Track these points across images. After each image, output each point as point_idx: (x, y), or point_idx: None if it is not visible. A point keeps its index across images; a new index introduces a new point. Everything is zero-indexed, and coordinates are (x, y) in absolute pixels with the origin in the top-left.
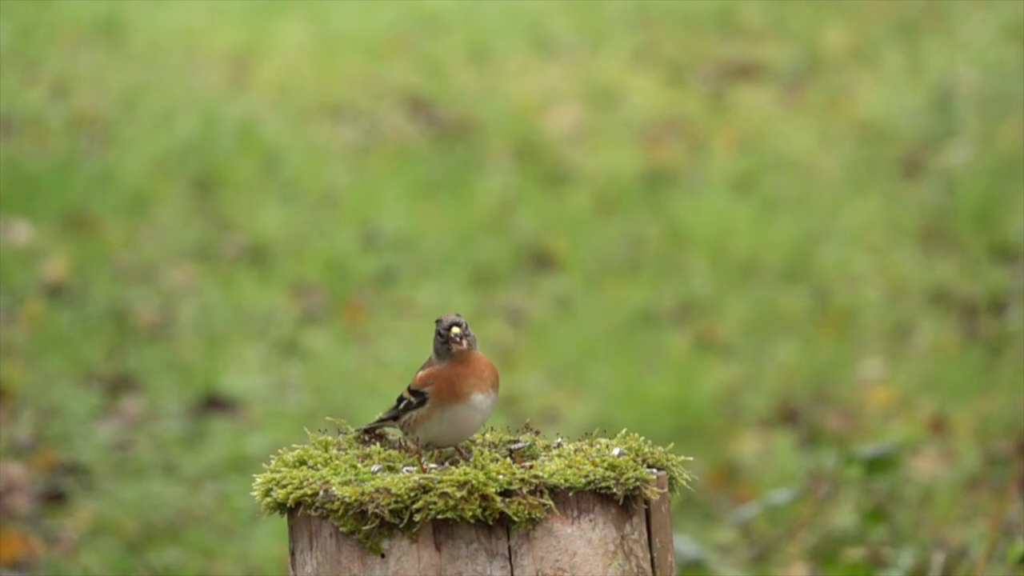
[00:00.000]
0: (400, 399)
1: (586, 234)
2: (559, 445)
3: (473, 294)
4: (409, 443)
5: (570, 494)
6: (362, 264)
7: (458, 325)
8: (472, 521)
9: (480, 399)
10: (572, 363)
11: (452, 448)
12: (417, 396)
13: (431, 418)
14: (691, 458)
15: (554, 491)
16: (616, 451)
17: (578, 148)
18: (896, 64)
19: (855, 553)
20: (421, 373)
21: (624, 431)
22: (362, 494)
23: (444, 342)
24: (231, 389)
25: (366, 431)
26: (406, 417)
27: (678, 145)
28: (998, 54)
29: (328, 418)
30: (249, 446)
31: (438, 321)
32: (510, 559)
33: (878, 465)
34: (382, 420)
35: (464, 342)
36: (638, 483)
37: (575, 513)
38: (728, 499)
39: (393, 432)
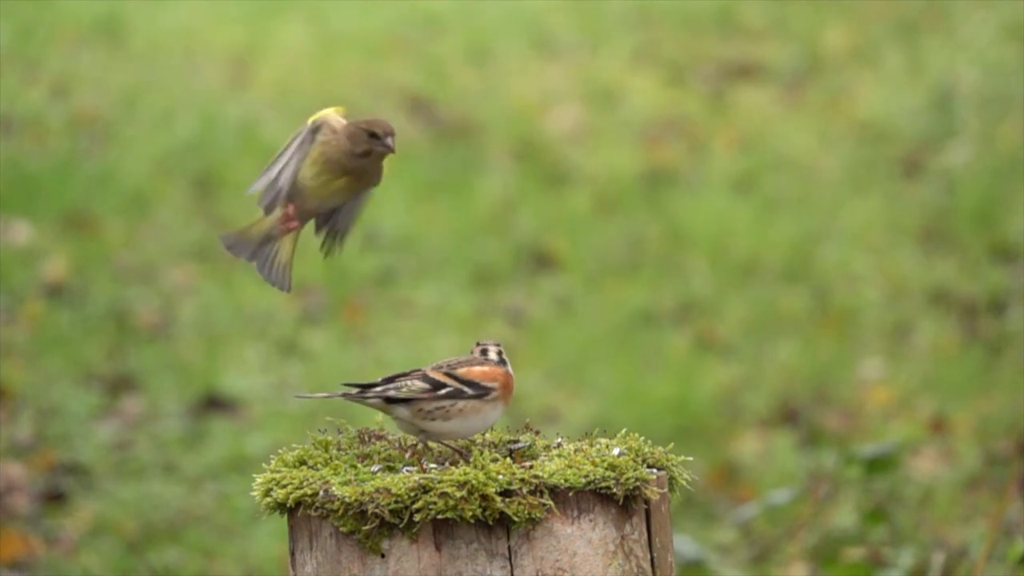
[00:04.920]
0: (437, 384)
1: (586, 234)
2: (559, 445)
3: (473, 294)
4: (413, 424)
5: (570, 494)
6: (362, 264)
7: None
8: (472, 521)
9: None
10: (572, 363)
11: (451, 448)
12: (474, 388)
13: (480, 412)
14: (691, 458)
15: (554, 491)
16: (616, 451)
17: (578, 148)
18: (896, 64)
19: (855, 553)
20: (484, 368)
21: (624, 431)
22: (362, 494)
23: (501, 362)
24: (231, 389)
25: (384, 396)
26: (446, 404)
27: (678, 145)
28: (998, 54)
29: (328, 418)
30: (249, 446)
31: (488, 343)
32: (510, 559)
33: (878, 465)
34: (390, 399)
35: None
36: (638, 483)
37: (575, 513)
38: (728, 499)
39: (392, 432)
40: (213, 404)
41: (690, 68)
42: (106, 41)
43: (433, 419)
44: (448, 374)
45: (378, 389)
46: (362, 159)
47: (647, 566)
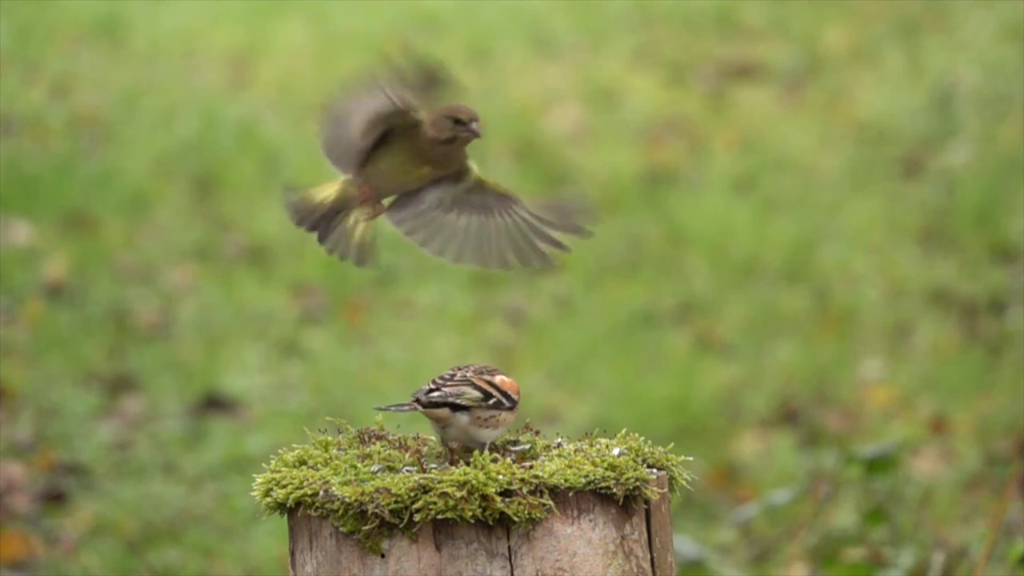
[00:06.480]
0: (487, 394)
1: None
2: (559, 445)
3: (473, 294)
4: (467, 431)
5: (570, 494)
6: None
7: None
8: (472, 521)
9: None
10: (572, 363)
11: (450, 449)
12: (508, 400)
13: (506, 423)
14: (691, 458)
15: (554, 491)
16: (616, 451)
17: (578, 148)
18: (896, 64)
19: (855, 553)
20: (511, 380)
21: (624, 431)
22: (362, 494)
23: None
24: (231, 389)
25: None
26: (494, 413)
27: (678, 145)
28: (998, 54)
29: (328, 418)
30: (249, 446)
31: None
32: (510, 559)
33: (878, 465)
34: (457, 406)
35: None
36: (638, 483)
37: (575, 513)
38: (728, 499)
39: (392, 432)
40: (213, 404)
41: (690, 68)
42: (106, 41)
43: (486, 427)
44: (489, 383)
45: (437, 395)
46: (446, 146)
47: (647, 566)
